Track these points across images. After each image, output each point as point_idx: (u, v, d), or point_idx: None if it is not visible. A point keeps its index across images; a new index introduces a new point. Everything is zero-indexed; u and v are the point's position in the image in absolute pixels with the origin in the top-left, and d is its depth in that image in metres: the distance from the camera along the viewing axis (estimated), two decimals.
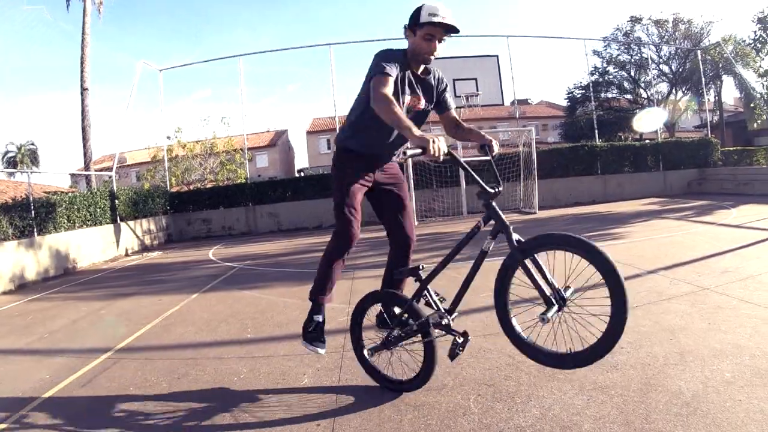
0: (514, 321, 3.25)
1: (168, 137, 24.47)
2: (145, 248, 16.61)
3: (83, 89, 20.94)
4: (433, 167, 18.29)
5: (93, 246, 13.76)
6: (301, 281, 8.13)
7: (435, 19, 3.25)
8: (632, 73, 40.04)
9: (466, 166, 3.57)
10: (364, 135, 3.61)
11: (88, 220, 14.02)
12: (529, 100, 56.32)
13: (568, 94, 43.34)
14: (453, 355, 3.33)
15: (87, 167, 21.21)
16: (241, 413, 3.40)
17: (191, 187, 24.67)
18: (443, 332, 3.49)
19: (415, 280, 3.67)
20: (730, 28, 69.65)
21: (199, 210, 19.85)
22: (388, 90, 3.22)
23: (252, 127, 64.45)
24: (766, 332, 4.23)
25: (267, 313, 6.20)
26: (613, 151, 21.84)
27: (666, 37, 38.54)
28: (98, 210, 14.52)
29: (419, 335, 3.58)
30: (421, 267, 3.67)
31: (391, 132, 3.54)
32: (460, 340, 3.38)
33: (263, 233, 18.99)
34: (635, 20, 38.83)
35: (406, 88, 3.49)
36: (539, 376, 3.70)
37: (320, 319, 3.86)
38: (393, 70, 3.29)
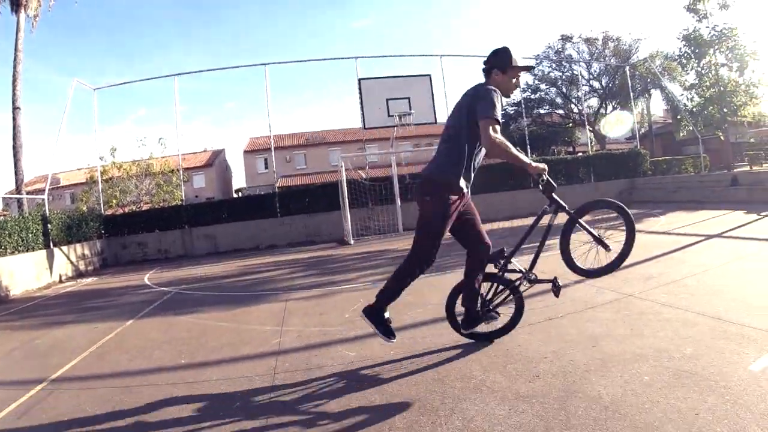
0: (574, 258, 4.67)
1: (102, 158, 23.95)
2: (79, 274, 16.20)
3: (15, 108, 20.27)
4: (368, 186, 18.50)
5: (26, 273, 13.32)
6: (236, 304, 8.25)
7: (522, 64, 4.33)
8: (564, 90, 41.31)
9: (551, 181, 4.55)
10: (464, 171, 4.20)
11: (21, 246, 13.60)
12: None
13: (501, 111, 44.36)
14: (557, 292, 4.62)
15: (18, 190, 20.53)
16: None
17: (127, 210, 24.20)
18: (532, 284, 4.71)
19: (500, 259, 4.71)
20: (657, 45, 72.35)
21: (135, 233, 19.47)
22: (500, 134, 4.05)
23: (188, 147, 63.47)
24: (685, 334, 4.53)
25: (201, 339, 6.20)
26: (546, 165, 22.48)
27: (596, 54, 39.97)
28: (30, 235, 14.08)
29: (511, 294, 4.78)
30: (505, 249, 4.72)
31: (475, 168, 4.34)
32: (558, 282, 4.63)
33: (200, 256, 18.75)
34: (566, 39, 40.24)
35: (501, 108, 4.16)
36: (463, 389, 3.87)
37: (387, 316, 4.44)
38: (499, 113, 4.10)
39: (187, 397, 4.23)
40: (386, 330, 4.36)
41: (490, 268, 4.71)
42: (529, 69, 4.49)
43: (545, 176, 4.37)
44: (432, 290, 7.68)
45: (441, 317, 5.89)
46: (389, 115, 18.40)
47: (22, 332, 7.95)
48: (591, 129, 38.63)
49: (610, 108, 41.14)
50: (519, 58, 4.33)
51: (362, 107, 18.82)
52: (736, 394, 3.30)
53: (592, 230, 4.50)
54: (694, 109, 27.63)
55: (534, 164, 4.30)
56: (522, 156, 4.15)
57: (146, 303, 9.27)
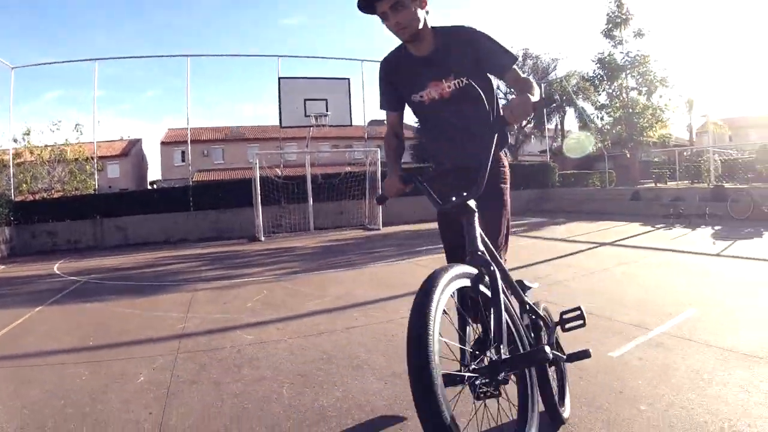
0: None
1: (15, 140, 23.21)
2: None
3: None
4: (282, 184, 18.82)
5: None
6: (144, 293, 8.53)
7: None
8: None
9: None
10: None
11: None
12: (385, 122, 57.77)
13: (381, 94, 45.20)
14: None
15: None
16: (81, 407, 3.79)
17: (37, 197, 23.34)
18: None
19: None
20: (574, 65, 75.38)
21: (45, 222, 18.85)
22: (387, 132, 3.36)
23: (104, 135, 61.41)
24: None
25: (109, 324, 6.45)
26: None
27: None
28: None
29: None
30: None
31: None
32: None
33: (110, 247, 18.47)
34: None
35: (416, 79, 3.01)
36: (347, 367, 4.44)
37: None
38: (383, 102, 3.28)
39: (94, 373, 4.57)
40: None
41: None
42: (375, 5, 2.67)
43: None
44: (335, 285, 8.29)
45: (336, 307, 6.54)
46: (306, 115, 18.78)
47: None
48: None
49: (524, 122, 42.60)
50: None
51: (280, 106, 19.13)
52: (593, 375, 3.87)
53: None
54: (604, 128, 29.11)
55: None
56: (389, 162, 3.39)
57: (55, 291, 9.31)
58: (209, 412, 3.66)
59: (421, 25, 2.76)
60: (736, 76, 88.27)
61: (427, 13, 2.78)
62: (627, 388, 3.59)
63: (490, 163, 2.49)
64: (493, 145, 2.51)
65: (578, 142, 32.14)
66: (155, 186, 44.83)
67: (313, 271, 10.05)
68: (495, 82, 3.11)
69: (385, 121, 3.36)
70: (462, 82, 2.90)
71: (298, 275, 9.56)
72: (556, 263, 9.24)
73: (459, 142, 3.07)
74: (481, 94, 2.85)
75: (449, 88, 2.93)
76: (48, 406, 3.86)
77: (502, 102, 2.96)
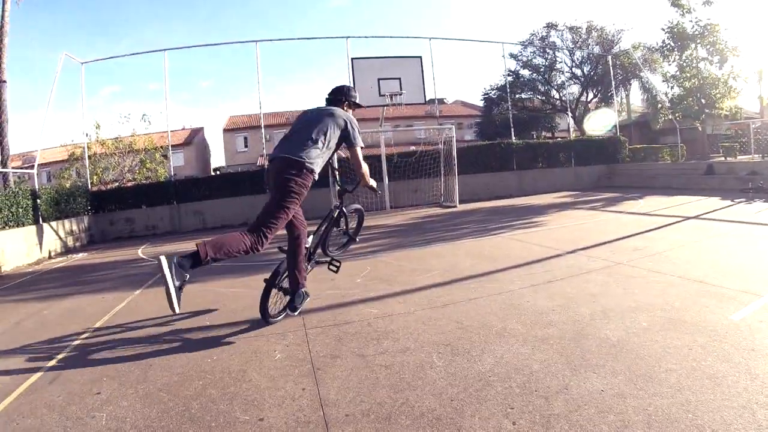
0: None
1: (87, 134, 23.55)
2: (68, 250, 16.01)
3: (1, 81, 19.68)
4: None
5: (16, 248, 13.13)
6: (239, 273, 8.55)
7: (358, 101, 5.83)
8: (546, 76, 41.58)
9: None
10: (322, 166, 5.02)
11: (11, 221, 13.45)
12: (445, 100, 57.73)
13: (484, 95, 44.82)
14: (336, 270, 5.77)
15: (4, 165, 20.14)
16: (224, 387, 3.73)
17: (110, 186, 23.70)
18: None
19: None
20: (640, 36, 73.14)
21: (122, 209, 19.24)
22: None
23: (168, 124, 62.19)
24: (672, 293, 5.23)
25: (219, 304, 6.40)
26: (528, 149, 22.98)
27: (579, 42, 40.25)
28: (20, 210, 13.87)
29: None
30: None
31: None
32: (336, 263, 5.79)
33: (188, 231, 18.74)
34: (551, 26, 40.42)
35: None
36: (488, 335, 4.36)
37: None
38: None
39: (224, 353, 4.50)
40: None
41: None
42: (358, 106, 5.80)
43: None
44: (435, 259, 8.08)
45: (448, 280, 6.37)
46: (381, 95, 18.57)
47: (24, 305, 7.68)
48: (572, 115, 39.01)
49: (591, 95, 41.57)
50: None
51: (354, 85, 18.82)
52: (721, 335, 3.99)
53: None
54: (674, 100, 28.02)
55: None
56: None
57: (149, 275, 9.34)
58: (366, 383, 3.57)
59: None
60: None
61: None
62: (757, 346, 3.76)
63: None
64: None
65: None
66: (219, 172, 45.39)
67: (407, 247, 9.91)
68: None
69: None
70: None
71: (395, 251, 9.41)
72: (647, 236, 8.94)
73: None
74: None
75: None
76: (186, 388, 3.78)
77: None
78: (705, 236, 8.67)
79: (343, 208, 5.99)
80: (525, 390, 3.28)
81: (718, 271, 6.09)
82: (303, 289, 5.13)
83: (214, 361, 4.26)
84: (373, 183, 5.64)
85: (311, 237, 5.64)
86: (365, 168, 5.35)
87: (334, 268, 5.72)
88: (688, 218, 11.14)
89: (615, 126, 28.94)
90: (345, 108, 5.45)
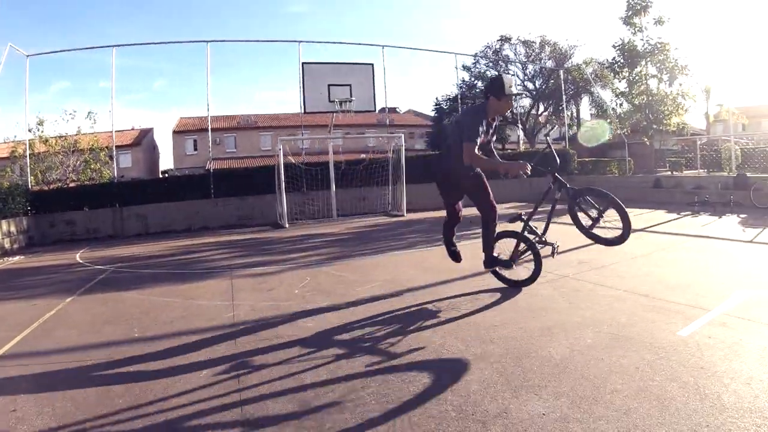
0: (584, 223, 5.88)
1: (31, 130, 22.65)
2: (4, 252, 15.22)
3: None
4: (304, 171, 18.45)
5: None
6: (180, 282, 8.16)
7: (512, 92, 5.55)
8: None
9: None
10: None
11: None
12: (397, 109, 57.91)
13: (436, 105, 45.20)
14: (553, 254, 5.99)
15: None
16: (146, 407, 3.47)
17: (52, 187, 22.66)
18: (543, 245, 6.04)
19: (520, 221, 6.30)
20: (592, 52, 74.79)
21: (63, 211, 18.36)
22: (477, 151, 5.42)
23: (116, 124, 60.47)
24: (619, 308, 5.20)
25: (150, 314, 6.11)
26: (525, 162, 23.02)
27: (532, 56, 40.88)
28: None
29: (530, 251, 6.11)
30: (523, 214, 6.30)
31: None
32: (556, 246, 5.98)
33: (130, 236, 18.10)
34: (505, 39, 41.00)
35: (482, 129, 5.46)
36: (425, 353, 4.15)
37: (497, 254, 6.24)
38: (479, 136, 5.41)
39: (148, 367, 4.23)
40: (506, 263, 6.14)
41: (515, 227, 6.31)
42: (518, 95, 5.41)
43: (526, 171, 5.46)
44: (378, 270, 7.95)
45: (390, 292, 6.22)
46: (330, 101, 18.43)
47: None
48: (522, 128, 39.56)
49: (542, 108, 42.22)
50: (513, 86, 5.62)
51: (303, 91, 18.80)
52: (669, 353, 3.93)
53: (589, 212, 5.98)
54: (623, 115, 28.62)
55: (508, 163, 5.67)
56: (496, 161, 5.84)
57: (84, 280, 8.97)
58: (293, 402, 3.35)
59: None
60: (750, 65, 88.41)
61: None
62: (706, 364, 3.72)
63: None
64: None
65: (594, 129, 31.62)
66: (167, 175, 44.47)
67: (349, 257, 9.74)
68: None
69: (471, 150, 5.38)
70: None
71: (336, 261, 9.23)
72: (593, 248, 8.84)
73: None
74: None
75: (486, 140, 5.64)
76: (105, 406, 3.52)
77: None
78: (652, 249, 8.78)
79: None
80: (461, 413, 3.13)
81: (665, 285, 6.11)
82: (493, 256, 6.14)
83: (138, 376, 4.00)
84: (513, 169, 5.53)
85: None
86: (481, 162, 5.57)
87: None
88: (635, 231, 11.20)
89: (566, 139, 29.38)
90: (490, 102, 5.61)
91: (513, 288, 6.27)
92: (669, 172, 26.14)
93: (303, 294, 6.63)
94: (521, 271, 6.26)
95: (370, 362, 4.05)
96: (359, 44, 27.57)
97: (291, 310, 5.85)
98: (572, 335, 4.45)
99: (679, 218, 13.43)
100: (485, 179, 5.88)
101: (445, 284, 6.85)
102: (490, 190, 5.86)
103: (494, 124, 5.79)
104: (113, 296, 7.45)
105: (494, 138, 5.92)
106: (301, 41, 20.29)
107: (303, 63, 19.13)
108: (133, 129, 51.78)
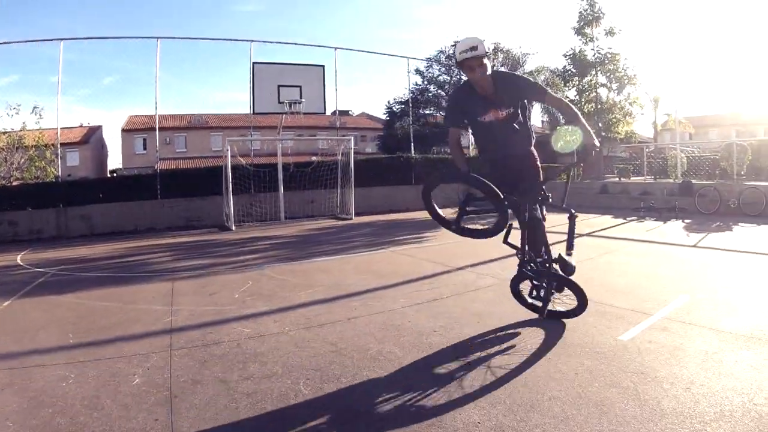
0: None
1: None
2: None
3: None
4: (252, 173, 18.27)
5: None
6: (120, 285, 8.00)
7: (460, 58, 4.47)
8: (450, 93, 42.35)
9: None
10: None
11: None
12: (350, 112, 57.80)
13: (388, 108, 45.29)
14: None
15: None
16: (74, 416, 3.37)
17: None
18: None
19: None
20: (545, 60, 76.17)
21: (5, 211, 17.67)
22: (452, 140, 5.11)
23: (63, 121, 58.51)
24: None
25: (88, 318, 5.96)
26: (427, 163, 23.09)
27: None
28: None
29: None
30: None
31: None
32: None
33: (75, 237, 17.53)
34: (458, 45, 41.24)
35: (480, 109, 4.71)
36: (362, 359, 4.18)
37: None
38: (451, 121, 5.12)
39: (81, 375, 4.11)
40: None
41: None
42: (470, 59, 4.43)
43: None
44: (321, 274, 7.95)
45: (330, 297, 6.21)
46: (279, 102, 18.25)
47: None
48: (473, 132, 39.98)
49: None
50: (464, 49, 4.47)
51: (253, 91, 18.55)
52: (609, 358, 3.96)
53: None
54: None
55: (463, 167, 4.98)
56: (457, 157, 5.13)
57: (23, 284, 8.66)
58: (224, 414, 3.32)
59: (488, 74, 4.53)
60: (698, 76, 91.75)
61: (493, 66, 4.54)
62: (646, 369, 3.75)
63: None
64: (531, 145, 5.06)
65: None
66: (116, 174, 43.43)
67: (294, 260, 9.68)
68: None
69: (449, 135, 5.13)
70: (511, 110, 4.71)
71: (281, 264, 9.17)
72: None
73: (507, 143, 4.90)
74: (520, 117, 4.80)
75: (503, 115, 4.72)
76: (34, 416, 3.40)
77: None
78: (596, 254, 8.92)
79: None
80: (394, 423, 3.12)
81: (608, 290, 6.21)
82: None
83: (69, 385, 3.88)
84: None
85: None
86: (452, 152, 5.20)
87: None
88: (581, 235, 11.45)
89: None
90: None
91: (451, 294, 6.33)
92: (617, 179, 26.72)
93: (243, 298, 6.56)
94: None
95: (306, 369, 4.02)
96: (311, 45, 27.65)
97: (230, 315, 5.77)
98: (513, 341, 4.48)
99: (625, 223, 13.77)
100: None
101: (387, 289, 6.84)
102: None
103: (503, 97, 4.64)
104: (51, 300, 7.22)
105: (521, 111, 4.80)
106: (252, 41, 20.07)
107: (254, 63, 18.91)
108: (81, 126, 50.06)
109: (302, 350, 4.48)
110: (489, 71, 4.54)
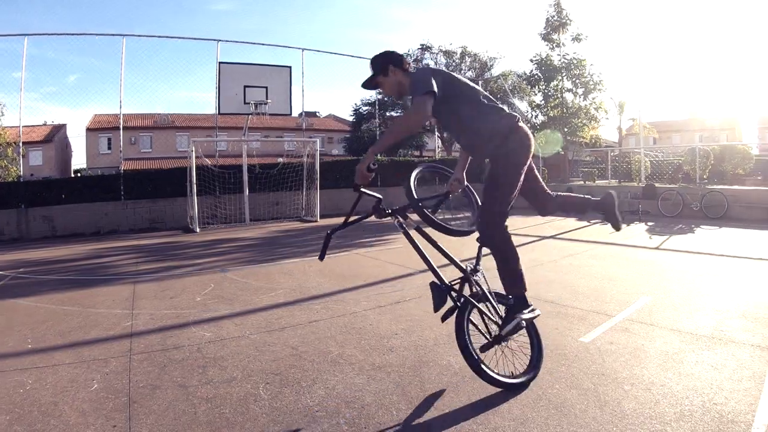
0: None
1: None
2: None
3: None
4: (217, 174, 18.11)
5: None
6: (81, 288, 7.85)
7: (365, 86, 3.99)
8: None
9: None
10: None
11: None
12: (317, 113, 57.64)
13: (355, 110, 45.27)
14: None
15: None
16: (31, 424, 3.33)
17: None
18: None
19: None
20: (512, 64, 76.97)
21: None
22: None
23: (26, 119, 56.83)
24: None
25: (47, 323, 5.85)
26: (393, 165, 23.15)
27: (452, 66, 41.41)
28: None
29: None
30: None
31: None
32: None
33: (36, 239, 17.16)
34: (426, 48, 41.43)
35: None
36: (322, 362, 4.21)
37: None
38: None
39: (39, 381, 4.06)
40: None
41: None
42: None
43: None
44: (284, 276, 7.95)
45: (293, 300, 6.23)
46: (245, 102, 18.12)
47: None
48: (439, 135, 40.21)
49: None
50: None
51: (219, 92, 18.36)
52: (570, 359, 4.04)
53: None
54: (538, 127, 29.47)
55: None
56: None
57: None
58: (182, 420, 3.31)
59: (398, 87, 3.83)
60: (663, 82, 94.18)
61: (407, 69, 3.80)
62: (607, 370, 3.81)
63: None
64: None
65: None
66: (80, 174, 42.63)
67: (257, 263, 9.64)
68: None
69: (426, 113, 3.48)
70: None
71: (244, 267, 9.12)
72: None
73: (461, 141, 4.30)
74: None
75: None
76: None
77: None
78: (560, 256, 9.08)
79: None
80: (353, 427, 3.14)
81: (571, 292, 6.32)
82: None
83: (27, 392, 3.83)
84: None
85: None
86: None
87: None
88: (545, 238, 11.70)
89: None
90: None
91: (414, 297, 6.39)
92: (582, 182, 27.12)
93: (205, 302, 6.53)
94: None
95: (265, 373, 4.04)
96: (279, 46, 27.40)
97: (191, 318, 5.75)
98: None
99: (588, 226, 13.93)
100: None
101: (350, 291, 6.87)
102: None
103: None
104: (10, 304, 7.06)
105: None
106: (219, 40, 19.83)
107: (220, 63, 18.70)
108: (45, 125, 48.91)
109: (263, 354, 4.49)
110: (399, 81, 3.79)
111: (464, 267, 4.07)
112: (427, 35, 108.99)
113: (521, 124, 3.65)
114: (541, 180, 4.06)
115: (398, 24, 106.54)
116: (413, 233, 3.82)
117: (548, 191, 4.05)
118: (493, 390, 3.51)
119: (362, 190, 3.78)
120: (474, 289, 3.95)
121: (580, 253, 9.47)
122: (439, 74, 3.64)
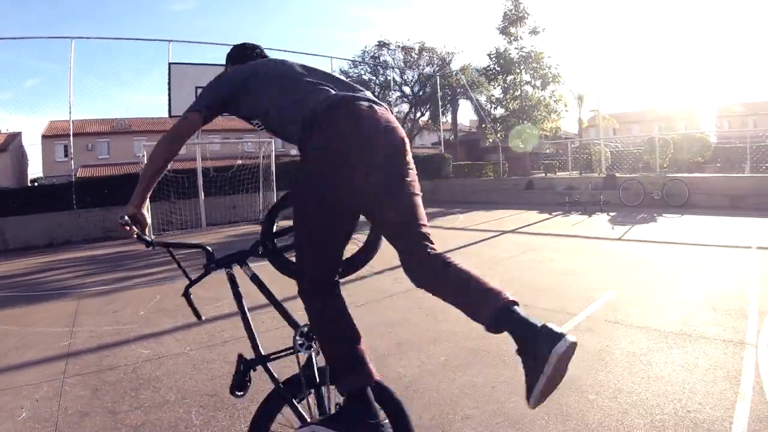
0: None
1: None
2: None
3: None
4: (170, 179, 17.71)
5: None
6: (20, 306, 7.51)
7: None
8: (376, 93, 42.29)
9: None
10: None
11: None
12: None
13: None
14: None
15: None
16: None
17: None
18: None
19: None
20: (470, 59, 77.44)
21: None
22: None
23: None
24: None
25: None
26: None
27: (411, 62, 41.35)
28: None
29: None
30: None
31: None
32: None
33: None
34: (383, 45, 41.22)
35: None
36: (259, 381, 3.99)
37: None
38: None
39: None
40: None
41: None
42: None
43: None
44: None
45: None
46: None
47: None
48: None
49: (419, 114, 42.83)
50: None
51: (170, 94, 17.90)
52: None
53: None
54: (497, 120, 29.66)
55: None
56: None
57: None
58: None
59: None
60: (621, 74, 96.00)
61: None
62: (570, 377, 3.41)
63: None
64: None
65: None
66: (36, 183, 41.57)
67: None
68: None
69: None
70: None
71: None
72: (463, 252, 9.16)
73: None
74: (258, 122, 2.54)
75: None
76: None
77: None
78: (520, 251, 8.97)
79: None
80: None
81: (531, 289, 6.17)
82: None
83: None
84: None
85: None
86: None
87: None
88: (505, 232, 11.66)
89: (441, 143, 30.11)
90: None
91: (365, 301, 6.25)
92: (543, 174, 27.35)
93: (148, 315, 6.31)
94: None
95: (200, 395, 3.89)
96: (232, 45, 26.91)
97: (131, 334, 5.54)
98: (425, 352, 4.33)
99: (550, 218, 14.02)
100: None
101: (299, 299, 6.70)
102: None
103: None
104: None
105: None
106: (171, 40, 19.32)
107: (170, 63, 18.22)
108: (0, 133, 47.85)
109: (200, 372, 4.32)
110: None
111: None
112: (385, 32, 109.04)
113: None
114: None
115: (355, 21, 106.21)
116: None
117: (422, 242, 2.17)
118: (445, 409, 3.34)
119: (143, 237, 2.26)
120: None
121: (541, 247, 9.39)
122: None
